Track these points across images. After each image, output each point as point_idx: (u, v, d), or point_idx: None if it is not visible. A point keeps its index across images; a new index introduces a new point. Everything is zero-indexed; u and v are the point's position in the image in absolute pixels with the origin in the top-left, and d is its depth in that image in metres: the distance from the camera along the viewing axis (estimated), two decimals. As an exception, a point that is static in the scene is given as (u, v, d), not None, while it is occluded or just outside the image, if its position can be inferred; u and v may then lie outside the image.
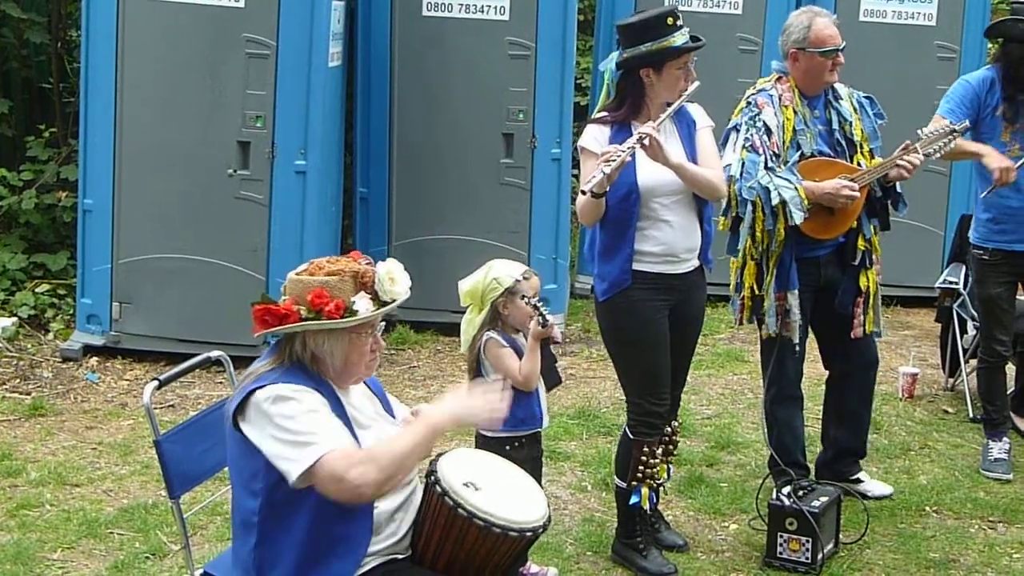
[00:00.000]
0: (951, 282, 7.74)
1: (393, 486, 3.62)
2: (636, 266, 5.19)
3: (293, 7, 7.68)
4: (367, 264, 3.77)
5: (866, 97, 5.96)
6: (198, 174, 7.85)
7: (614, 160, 4.87)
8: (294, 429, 3.54)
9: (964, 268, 7.67)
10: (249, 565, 3.74)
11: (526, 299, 4.95)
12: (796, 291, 5.78)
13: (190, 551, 4.25)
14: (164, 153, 7.87)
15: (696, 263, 5.33)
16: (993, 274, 6.54)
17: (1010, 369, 6.95)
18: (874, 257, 5.93)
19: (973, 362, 7.44)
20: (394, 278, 3.75)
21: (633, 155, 4.96)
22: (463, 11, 8.55)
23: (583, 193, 4.95)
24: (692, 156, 5.19)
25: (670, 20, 5.08)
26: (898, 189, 5.88)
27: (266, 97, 7.74)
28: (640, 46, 5.08)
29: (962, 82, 6.47)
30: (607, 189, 4.94)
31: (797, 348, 5.89)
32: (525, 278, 5.03)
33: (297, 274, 3.75)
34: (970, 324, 7.56)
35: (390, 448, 3.58)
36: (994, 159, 6.18)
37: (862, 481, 6.17)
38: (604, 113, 5.26)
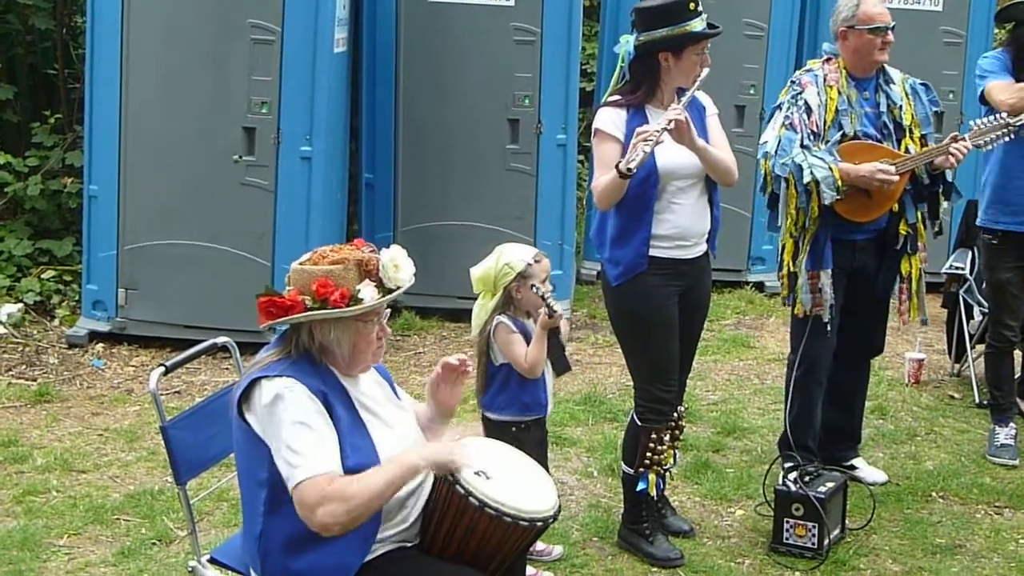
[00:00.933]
0: (957, 268, 7.74)
1: (361, 522, 3.63)
2: (650, 251, 5.18)
3: (298, -7, 7.68)
4: (371, 252, 3.76)
5: (922, 84, 5.92)
6: (203, 160, 7.84)
7: (651, 139, 4.86)
8: (285, 442, 3.57)
9: (970, 254, 7.67)
10: (255, 551, 3.74)
11: (535, 288, 4.95)
12: (830, 270, 5.77)
13: (197, 537, 4.25)
14: (169, 139, 7.86)
15: (704, 248, 5.33)
16: (1002, 258, 6.53)
17: (1017, 355, 6.94)
18: (919, 244, 5.90)
19: (979, 347, 7.43)
20: (398, 265, 3.74)
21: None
22: (469, -3, 8.55)
23: (628, 171, 4.86)
24: (704, 141, 5.18)
25: (692, 5, 5.07)
26: (949, 178, 5.83)
27: (271, 83, 7.73)
28: (659, 30, 5.07)
29: (991, 56, 6.44)
30: (637, 169, 4.91)
31: (828, 329, 5.86)
32: (536, 261, 5.03)
33: (300, 264, 3.74)
34: (976, 309, 7.55)
35: (364, 488, 3.58)
36: None
37: (856, 468, 6.15)
38: (618, 96, 5.25)
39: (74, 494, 6.01)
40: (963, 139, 5.70)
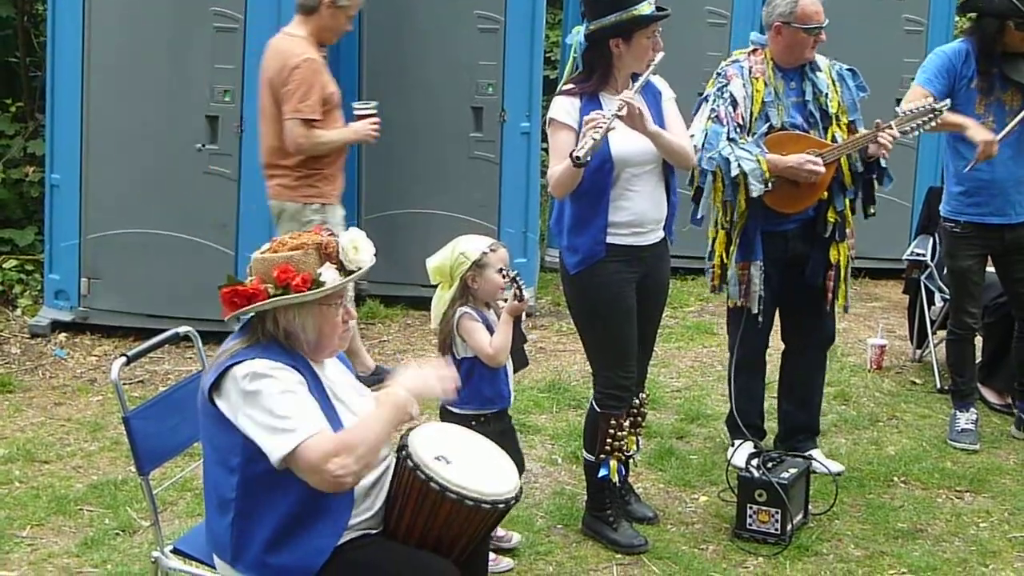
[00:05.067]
0: (919, 254, 7.78)
1: (370, 471, 3.65)
2: (608, 239, 5.20)
3: (261, -20, 7.65)
4: (329, 235, 3.78)
5: (848, 69, 5.94)
6: (166, 149, 7.81)
7: (601, 126, 4.87)
8: (272, 411, 3.55)
9: (932, 240, 7.71)
10: (226, 541, 3.73)
11: (503, 272, 4.95)
12: (759, 262, 5.81)
13: (160, 527, 4.24)
14: (132, 128, 7.82)
15: (661, 234, 5.34)
16: (965, 247, 6.56)
17: (978, 341, 6.98)
18: (847, 231, 5.94)
19: (941, 333, 7.48)
20: (358, 247, 3.76)
21: None
22: (432, -16, 8.53)
23: (577, 159, 4.87)
24: (660, 126, 5.19)
25: None
26: (882, 164, 5.88)
27: (234, 71, 7.69)
28: (608, 16, 5.08)
29: (938, 53, 6.48)
30: (591, 157, 4.92)
31: (759, 319, 5.92)
32: (492, 250, 5.03)
33: (261, 253, 3.75)
34: (937, 296, 7.60)
35: (364, 435, 3.60)
36: (978, 132, 6.20)
37: (814, 458, 6.18)
38: (572, 85, 5.26)
39: (37, 485, 5.99)
40: (888, 127, 5.73)
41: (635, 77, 5.17)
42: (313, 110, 6.70)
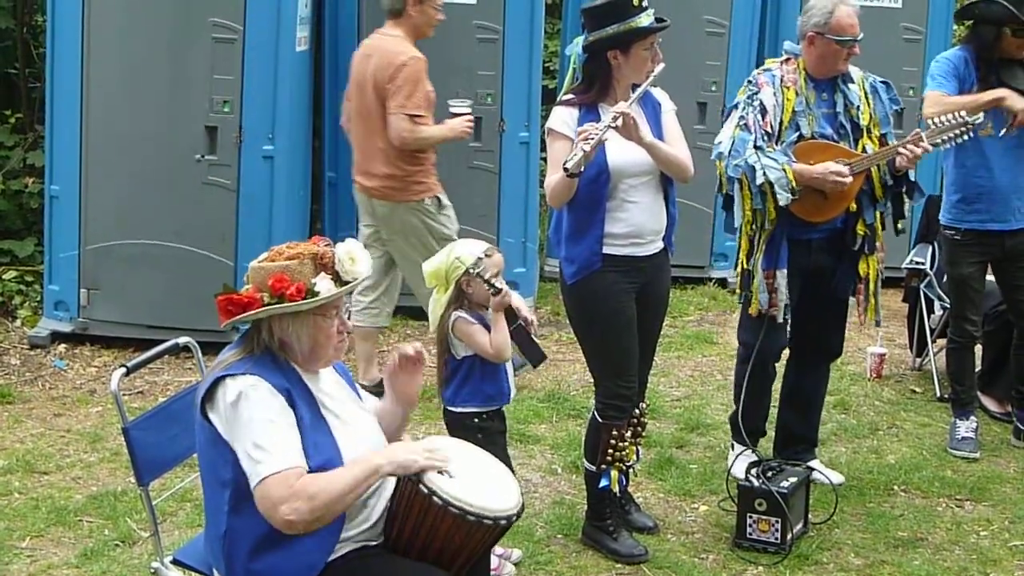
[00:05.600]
0: (918, 262, 7.79)
1: (321, 525, 3.64)
2: (604, 249, 5.20)
3: (260, -9, 7.66)
4: (326, 246, 3.78)
5: (882, 82, 5.92)
6: (165, 159, 7.80)
7: (592, 138, 4.87)
8: (251, 439, 3.57)
9: (931, 248, 7.72)
10: (219, 552, 3.74)
11: (476, 272, 4.95)
12: (785, 270, 5.79)
13: (159, 538, 4.24)
14: (131, 138, 7.81)
15: (660, 245, 5.34)
16: (965, 254, 6.56)
17: (977, 349, 6.98)
18: (877, 244, 5.91)
19: (940, 342, 7.49)
20: (354, 258, 3.76)
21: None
22: (430, -6, 8.52)
23: (565, 170, 4.90)
24: (659, 138, 5.20)
25: (636, 1, 5.08)
26: (911, 178, 5.85)
27: (233, 82, 7.70)
28: (606, 28, 5.09)
29: (942, 60, 6.48)
30: (583, 168, 4.93)
31: (781, 327, 5.91)
32: (488, 255, 5.02)
33: (258, 262, 3.76)
34: (937, 304, 7.60)
35: (329, 486, 3.59)
36: (1014, 99, 6.21)
37: (814, 468, 6.16)
38: (571, 96, 5.26)
39: (36, 496, 5.98)
40: (921, 138, 5.71)
41: (635, 88, 5.17)
42: (418, 106, 6.91)
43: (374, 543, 3.83)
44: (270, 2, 7.68)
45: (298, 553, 3.67)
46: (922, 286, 7.72)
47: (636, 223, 5.21)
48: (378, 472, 3.69)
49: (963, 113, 5.82)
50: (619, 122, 4.94)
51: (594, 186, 5.11)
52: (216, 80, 7.69)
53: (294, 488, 3.54)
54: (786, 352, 6.25)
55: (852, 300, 6.03)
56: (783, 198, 5.55)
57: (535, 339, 5.13)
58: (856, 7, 5.82)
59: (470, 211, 8.59)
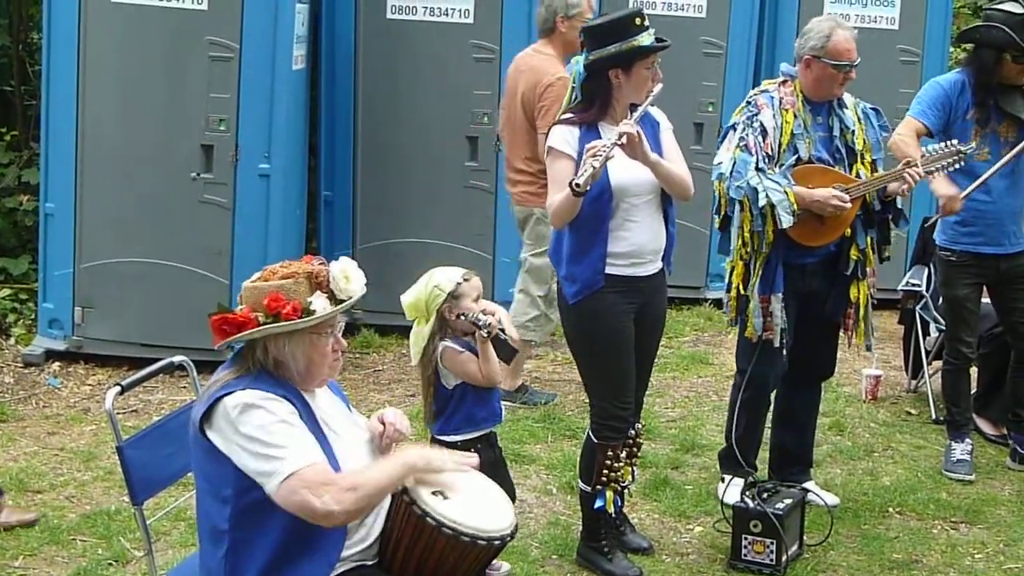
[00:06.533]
0: (914, 284, 7.78)
1: (358, 518, 3.66)
2: (606, 269, 5.19)
3: (257, 10, 7.65)
4: (320, 264, 3.78)
5: (872, 108, 5.94)
6: (161, 177, 7.80)
7: (601, 154, 4.87)
8: (264, 441, 3.54)
9: (927, 270, 7.71)
10: (220, 572, 3.71)
11: (461, 316, 4.91)
12: (780, 295, 5.78)
13: (153, 557, 4.22)
14: (127, 156, 7.82)
15: (659, 265, 5.34)
16: (960, 276, 6.57)
17: (973, 371, 6.97)
18: (868, 269, 5.92)
19: (936, 364, 7.48)
20: (349, 276, 3.75)
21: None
22: (428, 14, 8.54)
23: (576, 188, 4.85)
24: (659, 156, 5.19)
25: (637, 21, 5.09)
26: (899, 205, 5.87)
27: (230, 100, 7.70)
28: (608, 47, 5.09)
29: (933, 84, 6.50)
30: (590, 187, 4.91)
31: (777, 352, 5.89)
32: (466, 280, 4.99)
33: (252, 282, 3.75)
34: (933, 326, 7.60)
35: (369, 480, 3.62)
36: (939, 186, 6.25)
37: (808, 491, 6.13)
38: (571, 114, 5.26)
39: (29, 514, 5.97)
40: (916, 166, 5.73)
41: (634, 107, 5.17)
42: None
43: (370, 562, 3.82)
44: (267, 21, 7.69)
45: (300, 570, 3.65)
46: (918, 308, 7.71)
47: (637, 242, 5.21)
48: (413, 469, 3.71)
49: (955, 142, 5.89)
50: (624, 140, 4.94)
51: (597, 204, 5.10)
52: (212, 98, 7.70)
53: (331, 479, 3.53)
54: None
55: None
56: (786, 220, 5.55)
57: (503, 337, 5.05)
58: (854, 31, 5.82)
59: (466, 230, 8.62)
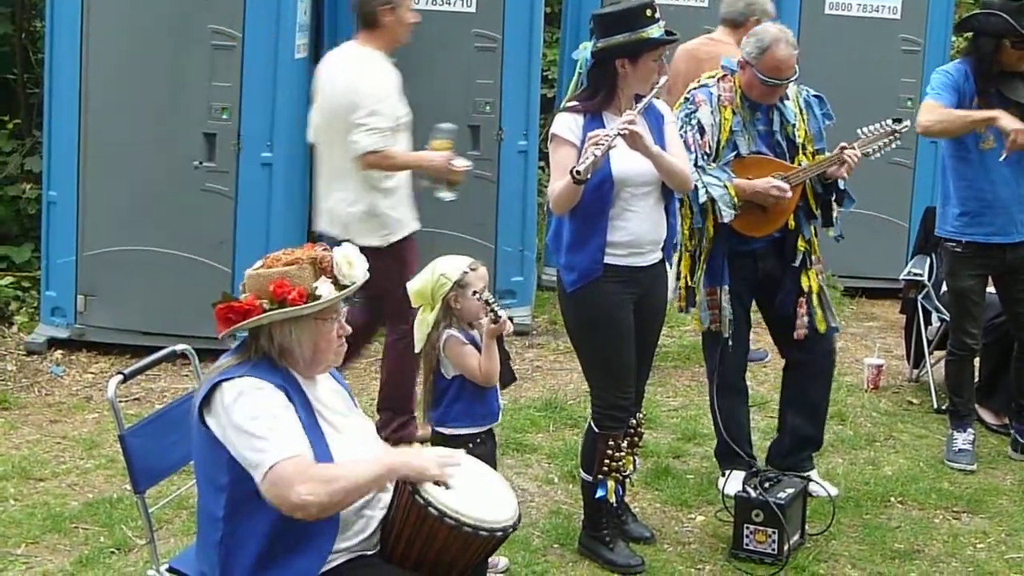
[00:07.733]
0: (916, 274, 7.77)
1: (334, 512, 3.64)
2: (605, 259, 5.19)
3: (259, -2, 7.66)
4: (323, 250, 3.79)
5: (816, 96, 5.94)
6: (163, 166, 7.80)
7: (603, 143, 4.87)
8: (251, 433, 3.55)
9: (929, 260, 7.71)
10: (214, 559, 3.73)
11: (477, 295, 4.92)
12: (727, 287, 5.82)
13: (155, 545, 4.23)
14: (129, 145, 7.81)
15: (659, 255, 5.35)
16: (966, 267, 6.55)
17: (976, 361, 6.96)
18: (813, 257, 5.94)
19: (938, 353, 7.49)
20: (351, 261, 3.77)
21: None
22: (430, 3, 8.51)
23: (576, 175, 4.84)
24: (662, 148, 5.19)
25: (648, 12, 5.08)
26: (842, 186, 5.87)
27: (232, 89, 7.70)
28: (616, 36, 5.08)
29: (942, 72, 6.48)
30: (591, 175, 4.91)
31: (731, 343, 5.93)
32: (472, 269, 4.99)
33: (255, 270, 3.76)
34: (935, 316, 7.59)
35: (347, 475, 3.60)
36: (1008, 120, 6.17)
37: (810, 480, 6.11)
38: (575, 102, 5.26)
39: (32, 502, 5.97)
40: (852, 148, 5.74)
41: (638, 98, 5.17)
42: None
43: (370, 552, 3.82)
44: (269, 9, 7.69)
45: (292, 560, 3.66)
46: (920, 297, 7.71)
47: (636, 232, 5.20)
48: (394, 473, 3.71)
49: (889, 121, 5.91)
50: (627, 130, 4.93)
51: (597, 194, 5.10)
52: (215, 87, 7.70)
53: (310, 471, 3.53)
54: (781, 363, 6.27)
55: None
56: (727, 215, 5.60)
57: (509, 359, 5.10)
58: (794, 46, 5.72)
59: (468, 219, 8.59)
